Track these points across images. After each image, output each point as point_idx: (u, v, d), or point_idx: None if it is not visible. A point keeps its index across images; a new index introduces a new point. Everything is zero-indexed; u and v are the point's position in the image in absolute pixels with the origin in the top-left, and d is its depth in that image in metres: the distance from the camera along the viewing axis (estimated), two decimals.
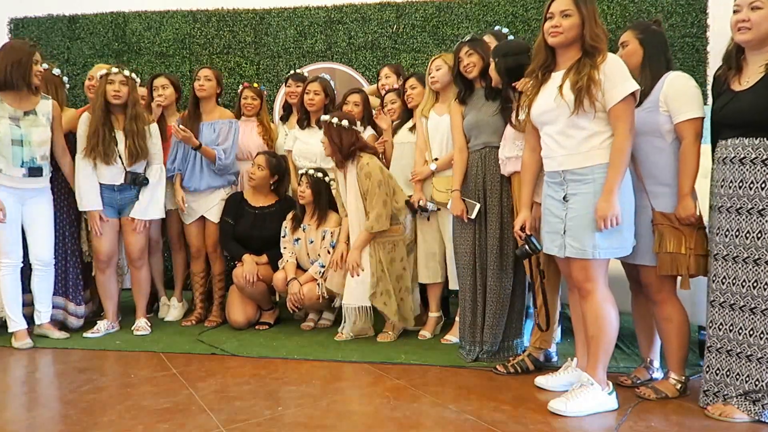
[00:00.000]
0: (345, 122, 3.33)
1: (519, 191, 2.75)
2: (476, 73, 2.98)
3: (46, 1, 5.71)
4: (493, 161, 2.93)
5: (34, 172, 3.26)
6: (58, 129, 3.37)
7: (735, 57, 2.27)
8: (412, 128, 3.52)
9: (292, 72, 4.33)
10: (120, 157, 3.39)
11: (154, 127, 3.53)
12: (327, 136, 3.35)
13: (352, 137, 3.35)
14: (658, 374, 2.66)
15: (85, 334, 3.43)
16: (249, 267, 3.58)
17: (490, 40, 3.16)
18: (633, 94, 2.25)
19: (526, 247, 2.51)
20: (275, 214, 3.75)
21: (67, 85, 3.72)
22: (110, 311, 3.56)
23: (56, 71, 3.64)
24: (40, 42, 5.63)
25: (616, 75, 2.24)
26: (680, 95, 2.38)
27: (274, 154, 3.84)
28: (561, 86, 2.29)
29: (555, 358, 2.89)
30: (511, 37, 3.20)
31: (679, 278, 2.44)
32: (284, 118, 4.21)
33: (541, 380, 2.63)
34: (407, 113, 3.61)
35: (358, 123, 3.44)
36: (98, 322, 3.52)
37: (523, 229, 2.58)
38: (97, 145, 3.31)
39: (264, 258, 3.72)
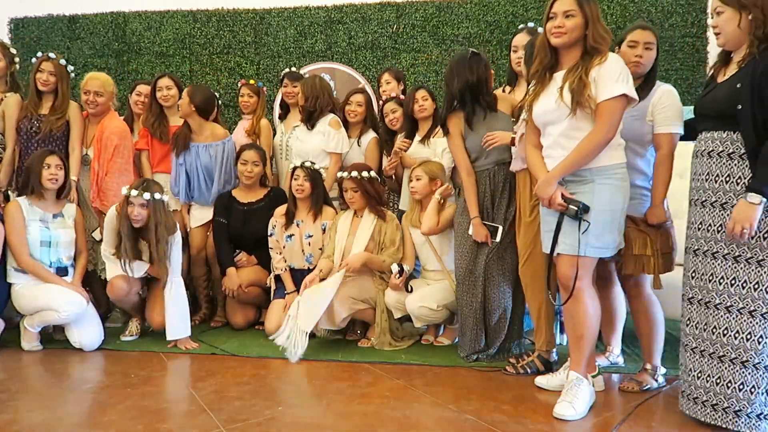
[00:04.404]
0: (372, 173, 3.39)
1: (524, 189, 2.76)
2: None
3: (46, 1, 5.72)
4: (502, 177, 2.90)
5: (61, 272, 3.32)
6: (81, 230, 3.46)
7: (724, 53, 2.29)
8: (423, 140, 3.45)
9: (287, 70, 4.21)
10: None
11: (177, 238, 3.35)
12: (360, 189, 3.33)
13: (379, 186, 3.42)
14: (619, 360, 2.91)
15: (122, 338, 3.41)
16: (230, 282, 3.55)
17: (524, 38, 2.99)
18: (627, 98, 2.24)
19: (571, 207, 2.28)
20: (264, 209, 3.66)
21: (72, 75, 3.72)
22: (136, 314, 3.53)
23: (62, 62, 3.64)
24: (40, 42, 5.65)
25: (609, 75, 2.23)
26: (669, 108, 2.49)
27: (258, 146, 3.77)
28: (561, 88, 2.29)
29: (555, 358, 2.89)
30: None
31: (650, 277, 2.55)
32: (282, 117, 4.17)
33: (541, 380, 2.63)
34: (412, 123, 3.52)
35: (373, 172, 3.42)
36: (129, 323, 3.47)
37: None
38: (121, 256, 3.26)
39: (253, 260, 3.70)
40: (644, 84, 2.56)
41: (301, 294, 3.21)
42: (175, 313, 3.25)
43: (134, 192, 3.14)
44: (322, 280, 3.28)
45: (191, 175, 3.74)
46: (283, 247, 3.55)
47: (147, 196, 3.13)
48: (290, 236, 3.54)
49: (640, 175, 2.57)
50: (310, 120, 3.69)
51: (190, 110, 3.65)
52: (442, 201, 3.20)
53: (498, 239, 2.89)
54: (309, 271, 3.51)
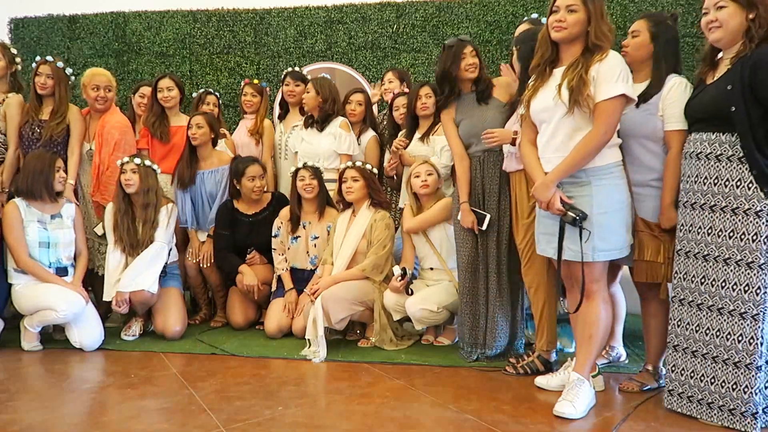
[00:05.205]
0: (374, 169, 3.44)
1: (519, 190, 2.74)
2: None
3: (46, 1, 5.73)
4: (492, 164, 2.90)
5: (61, 272, 3.32)
6: (80, 230, 3.45)
7: (710, 55, 2.28)
8: (422, 138, 3.44)
9: (290, 69, 4.15)
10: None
11: (164, 212, 3.44)
12: (362, 179, 3.35)
13: (378, 183, 3.45)
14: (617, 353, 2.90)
15: (123, 335, 3.41)
16: (250, 280, 3.54)
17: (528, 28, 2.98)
18: (626, 97, 2.23)
19: (570, 213, 2.25)
20: (269, 219, 3.65)
21: (72, 78, 3.72)
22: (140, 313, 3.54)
23: (60, 64, 3.63)
24: (40, 42, 5.65)
25: (609, 73, 2.21)
26: (677, 104, 2.37)
27: (257, 158, 3.76)
28: (560, 85, 2.27)
29: (555, 358, 2.88)
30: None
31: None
32: (281, 116, 4.15)
33: (541, 380, 2.63)
34: (413, 120, 3.50)
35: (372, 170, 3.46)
36: (132, 322, 3.47)
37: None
38: (120, 239, 3.36)
39: (265, 259, 3.69)
40: (654, 77, 2.47)
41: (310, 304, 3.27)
42: (136, 265, 3.29)
43: (126, 159, 3.41)
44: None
45: (195, 203, 3.73)
46: (288, 249, 3.55)
47: (138, 161, 3.39)
48: (296, 238, 3.54)
49: (652, 173, 2.45)
50: (325, 121, 3.68)
51: (209, 137, 3.70)
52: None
53: (484, 227, 2.88)
54: (310, 271, 3.52)
